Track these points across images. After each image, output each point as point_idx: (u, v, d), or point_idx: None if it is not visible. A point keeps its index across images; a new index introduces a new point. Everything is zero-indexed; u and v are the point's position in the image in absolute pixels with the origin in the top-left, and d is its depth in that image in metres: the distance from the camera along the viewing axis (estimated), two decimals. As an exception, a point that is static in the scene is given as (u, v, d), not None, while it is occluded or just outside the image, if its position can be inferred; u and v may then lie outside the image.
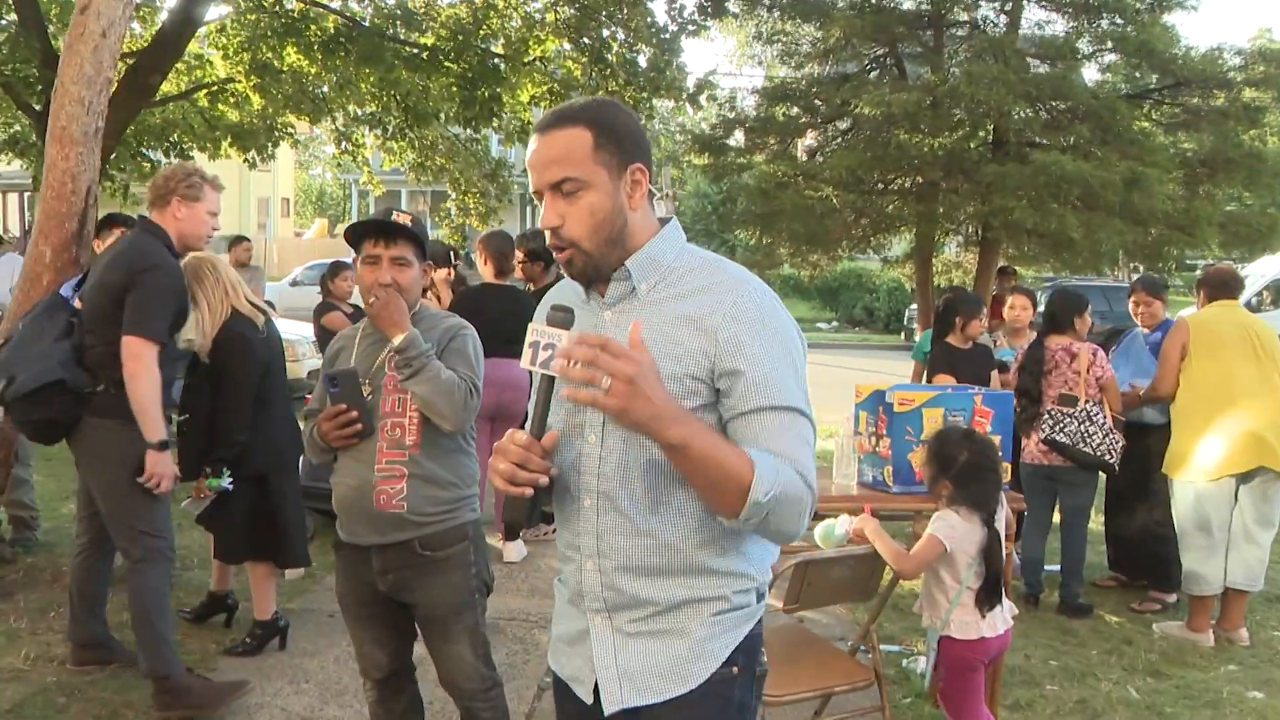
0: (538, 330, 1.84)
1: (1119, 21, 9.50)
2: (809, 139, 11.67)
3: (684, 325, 1.88)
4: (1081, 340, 6.10)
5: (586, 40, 13.31)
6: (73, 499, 6.09)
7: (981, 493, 3.65)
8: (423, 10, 13.46)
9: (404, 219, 3.24)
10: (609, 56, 13.05)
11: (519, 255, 6.85)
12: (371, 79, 13.50)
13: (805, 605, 3.54)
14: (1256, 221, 9.46)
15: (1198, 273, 11.68)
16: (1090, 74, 10.24)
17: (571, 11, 13.10)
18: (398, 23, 13.14)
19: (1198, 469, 5.57)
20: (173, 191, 4.28)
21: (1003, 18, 10.16)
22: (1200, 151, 9.77)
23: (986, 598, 3.61)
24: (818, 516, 4.11)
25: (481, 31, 13.19)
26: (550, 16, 13.37)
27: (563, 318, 1.85)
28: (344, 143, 16.46)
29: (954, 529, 3.61)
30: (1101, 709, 4.71)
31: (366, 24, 13.02)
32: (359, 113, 15.57)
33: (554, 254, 1.98)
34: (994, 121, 9.47)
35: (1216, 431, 5.51)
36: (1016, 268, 10.80)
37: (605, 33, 13.24)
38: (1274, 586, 6.44)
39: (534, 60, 13.53)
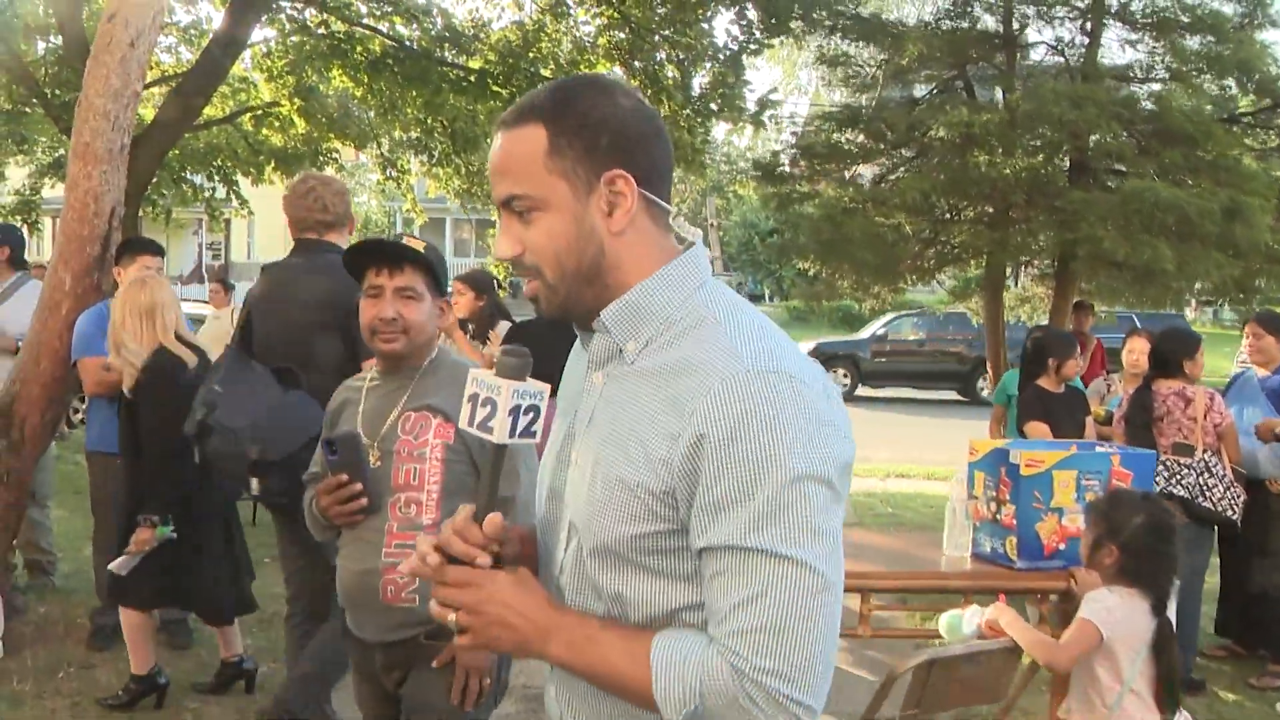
0: (476, 381, 1.44)
1: (1211, 39, 8.93)
2: (873, 166, 11.13)
3: (658, 413, 1.39)
4: (1193, 384, 5.52)
5: (638, 64, 12.93)
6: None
7: (1154, 569, 3.09)
8: (472, 33, 13.11)
9: (417, 245, 2.76)
10: (664, 80, 12.64)
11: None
12: (417, 102, 13.18)
13: (926, 710, 2.98)
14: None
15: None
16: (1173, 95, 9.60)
17: (623, 35, 12.72)
18: (445, 45, 12.80)
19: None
20: (349, 210, 4.01)
21: (1082, 37, 9.58)
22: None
23: (1168, 702, 3.04)
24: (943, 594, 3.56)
25: (531, 54, 12.82)
26: (602, 40, 12.99)
27: (515, 365, 1.44)
28: (389, 169, 16.16)
29: (1112, 612, 3.04)
30: (1243, 815, 4.10)
31: (414, 46, 12.68)
32: (404, 138, 15.28)
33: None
34: (1074, 144, 8.87)
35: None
36: (1093, 302, 10.19)
37: (660, 55, 12.84)
38: None
39: (583, 85, 13.14)
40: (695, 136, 13.02)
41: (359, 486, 2.63)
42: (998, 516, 3.62)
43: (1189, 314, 30.51)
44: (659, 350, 1.44)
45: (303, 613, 4.00)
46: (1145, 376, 5.70)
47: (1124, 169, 8.75)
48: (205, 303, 13.40)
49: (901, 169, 10.65)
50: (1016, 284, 11.84)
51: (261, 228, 34.44)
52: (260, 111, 14.05)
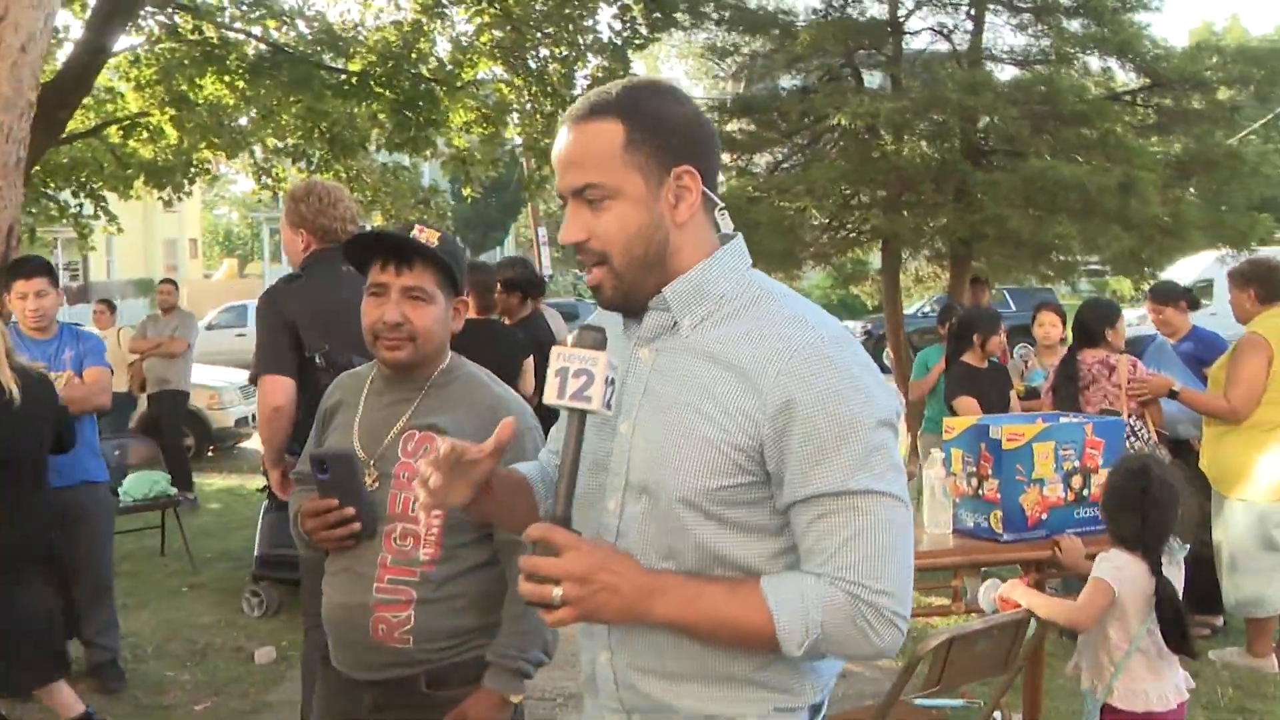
0: (566, 355, 1.51)
1: (1088, 23, 9.26)
2: (766, 155, 11.21)
3: (732, 378, 1.54)
4: (1116, 352, 5.71)
5: (515, 60, 12.81)
6: None
7: (1134, 530, 3.16)
8: (350, 34, 12.78)
9: (429, 237, 2.39)
10: (549, 78, 12.55)
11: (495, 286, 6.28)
12: (293, 109, 12.80)
13: (947, 685, 3.00)
14: (1238, 222, 9.28)
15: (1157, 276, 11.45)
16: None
17: (500, 34, 12.57)
18: (324, 48, 12.45)
19: (1260, 488, 5.16)
20: None
21: (967, 23, 9.83)
22: (1178, 154, 9.57)
23: (1175, 647, 3.14)
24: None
25: (412, 55, 12.57)
26: (484, 38, 12.82)
27: (595, 338, 1.52)
28: (264, 178, 15.62)
29: (1122, 570, 3.13)
30: (1208, 762, 4.24)
31: (290, 51, 12.29)
32: (280, 145, 14.79)
33: (585, 274, 1.66)
34: (969, 129, 9.09)
35: (1280, 448, 5.11)
36: (987, 278, 10.48)
37: (544, 52, 12.74)
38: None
39: (466, 84, 12.97)
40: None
41: (350, 511, 2.32)
42: (980, 491, 3.65)
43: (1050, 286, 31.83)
44: (716, 324, 1.58)
45: None
46: (1070, 346, 5.87)
47: (1017, 150, 9.00)
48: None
49: (796, 156, 10.76)
50: (916, 265, 12.10)
51: (121, 246, 33.04)
52: (128, 122, 13.40)
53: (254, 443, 9.58)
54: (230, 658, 5.48)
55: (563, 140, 1.59)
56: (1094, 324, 5.72)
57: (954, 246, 9.43)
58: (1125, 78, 9.88)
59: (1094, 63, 9.64)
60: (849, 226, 10.46)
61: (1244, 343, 5.20)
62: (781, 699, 1.59)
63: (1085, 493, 3.63)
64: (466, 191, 15.57)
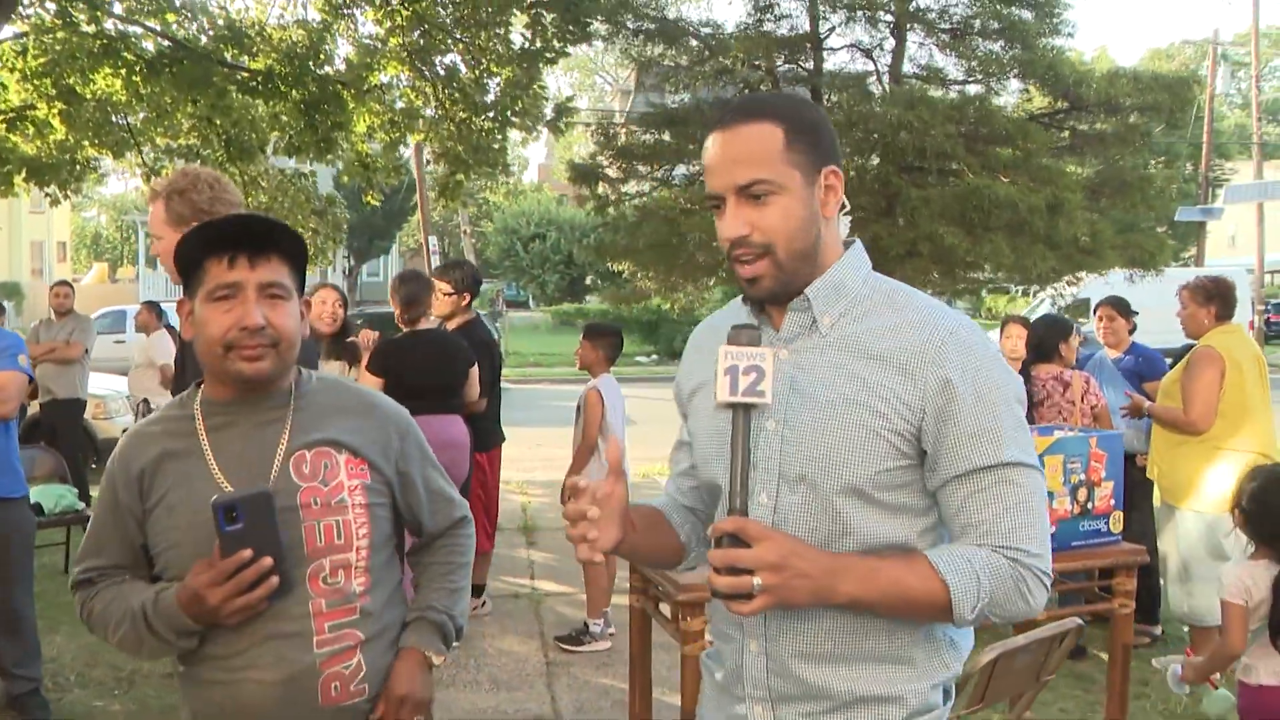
0: (734, 353, 1.57)
1: (1006, 44, 9.47)
2: (683, 167, 11.16)
3: (884, 368, 1.63)
4: (1069, 367, 5.79)
5: (424, 67, 12.55)
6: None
7: (1266, 527, 3.35)
8: (254, 33, 12.33)
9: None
10: (461, 81, 12.32)
11: (445, 288, 6.08)
12: (188, 109, 12.28)
13: (989, 701, 2.94)
14: (1147, 243, 9.62)
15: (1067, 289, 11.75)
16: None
17: (410, 38, 12.29)
18: (228, 45, 11.97)
19: (1209, 499, 5.27)
20: None
21: (889, 39, 9.97)
22: (1092, 175, 9.86)
23: (1275, 632, 3.28)
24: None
25: (320, 56, 12.20)
26: (393, 41, 12.51)
27: (752, 335, 1.60)
28: (153, 179, 14.94)
29: (1240, 580, 3.31)
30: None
31: (190, 47, 11.77)
32: (172, 145, 14.18)
33: (737, 267, 1.69)
34: (899, 141, 9.20)
35: (1230, 460, 5.22)
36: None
37: (455, 58, 12.49)
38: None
39: (373, 88, 12.64)
40: (493, 141, 12.75)
41: (269, 561, 1.91)
42: (990, 504, 3.61)
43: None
44: (854, 320, 1.67)
45: None
46: (1024, 362, 5.93)
47: (948, 168, 9.12)
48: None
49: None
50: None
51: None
52: (12, 115, 12.66)
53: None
54: (160, 685, 5.11)
55: (722, 142, 1.67)
56: (1049, 340, 5.80)
57: (878, 260, 9.50)
58: (1041, 100, 10.15)
59: (1014, 84, 9.86)
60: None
61: (1199, 356, 5.27)
62: (931, 675, 1.68)
63: (1090, 505, 3.63)
64: (367, 199, 15.19)
